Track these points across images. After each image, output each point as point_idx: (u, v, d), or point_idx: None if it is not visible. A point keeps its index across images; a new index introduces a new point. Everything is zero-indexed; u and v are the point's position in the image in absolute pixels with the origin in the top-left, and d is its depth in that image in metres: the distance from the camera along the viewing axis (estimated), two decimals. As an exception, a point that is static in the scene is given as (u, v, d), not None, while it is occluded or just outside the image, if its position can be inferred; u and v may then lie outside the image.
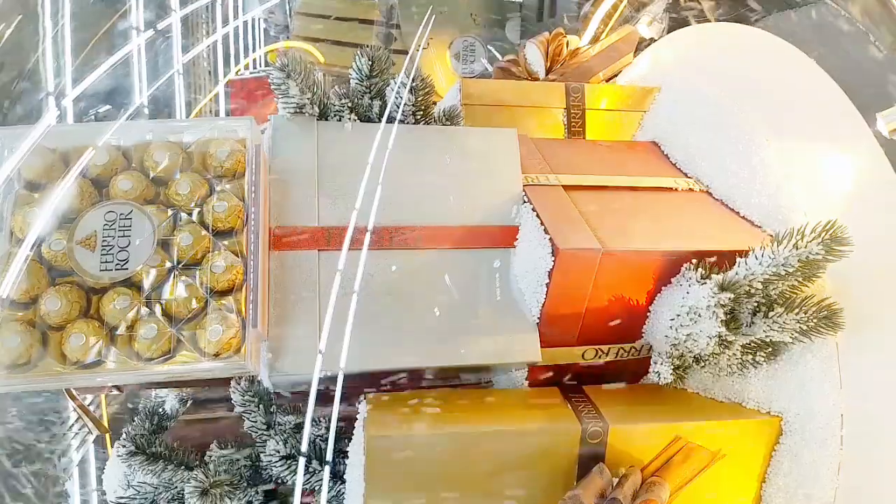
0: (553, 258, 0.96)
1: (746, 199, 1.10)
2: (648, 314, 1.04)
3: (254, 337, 0.88)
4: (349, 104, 1.09)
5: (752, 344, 0.99)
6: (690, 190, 1.17)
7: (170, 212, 0.93)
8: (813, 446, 0.95)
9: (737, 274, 0.96)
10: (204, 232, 0.92)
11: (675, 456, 0.90)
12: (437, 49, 2.35)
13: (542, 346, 1.02)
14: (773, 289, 0.96)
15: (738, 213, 1.11)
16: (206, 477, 0.95)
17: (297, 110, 1.05)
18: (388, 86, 1.12)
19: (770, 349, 1.00)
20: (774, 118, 1.14)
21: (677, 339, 1.00)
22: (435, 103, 1.13)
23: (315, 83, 1.07)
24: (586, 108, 1.36)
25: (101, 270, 0.89)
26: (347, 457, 0.96)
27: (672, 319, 1.00)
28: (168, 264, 0.90)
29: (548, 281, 0.97)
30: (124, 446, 1.04)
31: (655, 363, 1.03)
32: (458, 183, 1.08)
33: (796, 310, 0.95)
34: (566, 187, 1.11)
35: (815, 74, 1.14)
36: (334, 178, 1.04)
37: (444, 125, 1.14)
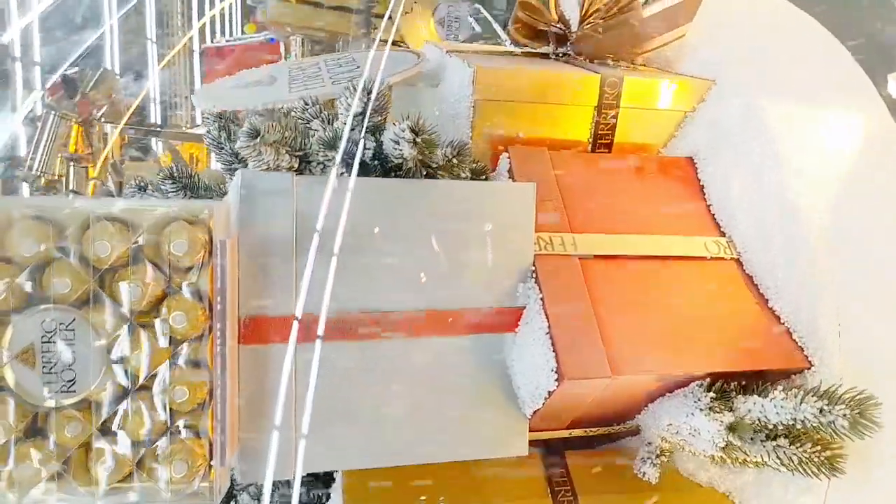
0: (557, 381, 0.87)
1: (779, 282, 0.98)
2: (646, 408, 0.99)
3: (222, 472, 0.81)
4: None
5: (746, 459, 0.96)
6: (721, 259, 1.03)
7: (122, 325, 0.78)
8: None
9: (749, 412, 0.89)
10: (162, 344, 0.79)
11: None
12: (423, 15, 1.93)
13: (528, 430, 0.97)
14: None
15: (766, 300, 1.00)
16: None
17: (273, 168, 0.85)
18: (384, 127, 0.91)
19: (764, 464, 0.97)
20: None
21: (671, 441, 0.96)
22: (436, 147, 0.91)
23: (294, 129, 0.85)
24: (622, 105, 1.13)
25: (45, 392, 0.77)
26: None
27: (669, 425, 0.95)
28: (123, 382, 0.79)
29: (547, 396, 0.89)
30: None
31: (644, 461, 0.99)
32: (459, 257, 0.93)
33: (801, 445, 0.90)
34: (583, 258, 0.97)
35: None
36: (318, 253, 0.88)
37: (450, 163, 0.94)
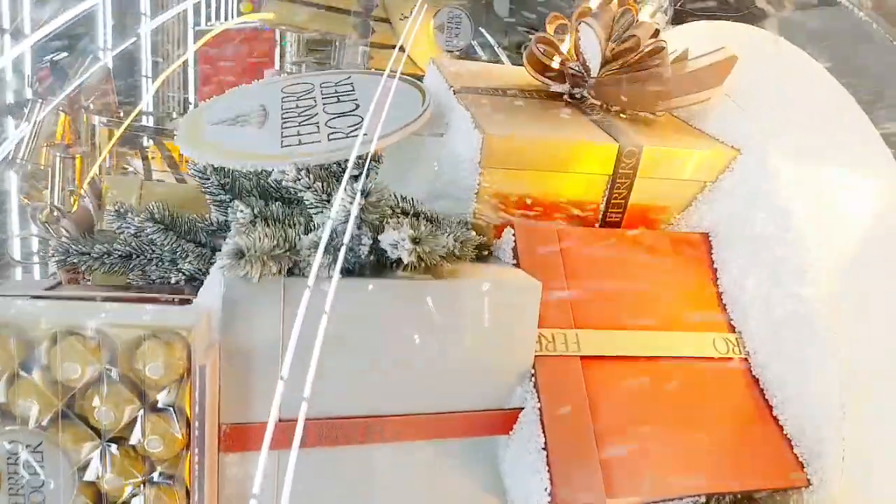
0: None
1: (787, 394, 0.95)
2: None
3: None
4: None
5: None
6: (729, 359, 0.98)
7: (90, 445, 0.73)
8: None
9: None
10: (137, 464, 0.75)
11: None
12: (422, 20, 1.74)
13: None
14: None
15: (770, 407, 0.96)
16: None
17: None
18: (382, 225, 0.83)
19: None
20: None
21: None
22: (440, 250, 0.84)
23: (283, 227, 0.78)
24: (638, 176, 1.05)
25: (12, 516, 0.73)
26: None
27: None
28: None
29: (538, 511, 0.86)
30: None
31: None
32: (455, 360, 0.88)
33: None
34: (585, 359, 0.92)
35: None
36: (303, 356, 0.82)
37: (452, 254, 0.88)
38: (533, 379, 0.90)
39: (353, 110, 1.11)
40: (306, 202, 0.93)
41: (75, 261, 1.18)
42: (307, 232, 0.87)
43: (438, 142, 1.11)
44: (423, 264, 0.84)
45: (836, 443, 0.90)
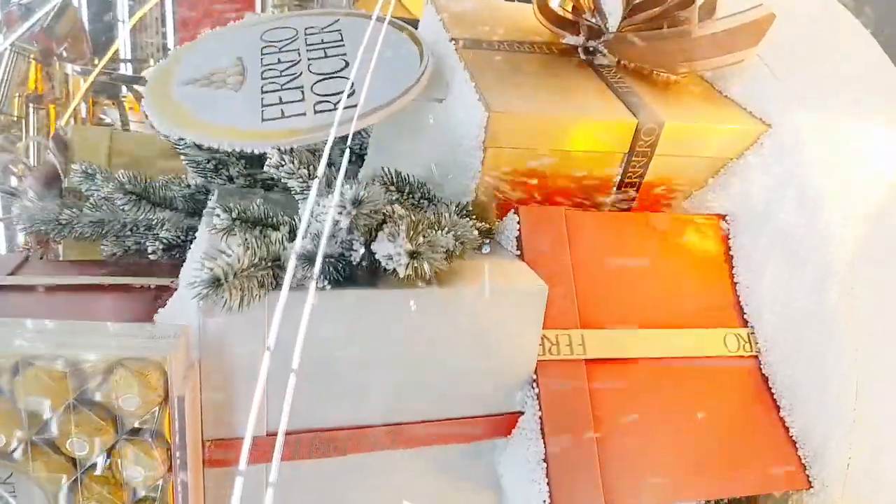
0: (548, 512, 0.82)
1: (796, 397, 0.91)
2: None
3: None
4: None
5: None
6: (740, 357, 0.94)
7: (65, 476, 0.69)
8: None
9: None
10: (118, 491, 0.71)
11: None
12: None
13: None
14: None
15: (778, 407, 0.93)
16: None
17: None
18: (378, 230, 0.75)
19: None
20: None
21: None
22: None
23: (266, 246, 0.70)
24: (656, 154, 0.96)
25: (-13, 545, 0.70)
26: None
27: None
28: (75, 531, 0.72)
29: (535, 517, 0.85)
30: None
31: None
32: (454, 367, 0.83)
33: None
34: (590, 362, 0.87)
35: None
36: (290, 369, 0.76)
37: (451, 254, 0.80)
38: (535, 384, 0.85)
39: (342, 70, 0.99)
40: (291, 189, 0.84)
41: (42, 228, 1.09)
42: (293, 231, 0.79)
43: (437, 106, 1.00)
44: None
45: (842, 449, 0.88)
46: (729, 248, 0.99)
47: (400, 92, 0.92)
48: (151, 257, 1.11)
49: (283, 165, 0.82)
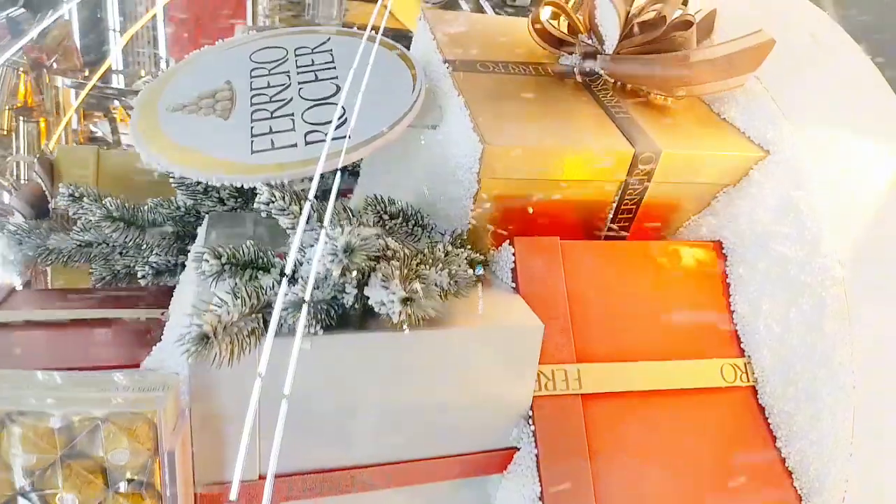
0: (543, 552, 0.81)
1: (793, 428, 0.91)
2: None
3: None
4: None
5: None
6: (736, 388, 0.93)
7: (55, 531, 0.68)
8: None
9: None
10: (107, 542, 0.70)
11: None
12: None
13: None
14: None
15: (774, 437, 0.92)
16: None
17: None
18: (371, 271, 0.73)
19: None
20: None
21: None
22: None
23: (255, 293, 0.68)
24: (653, 180, 0.94)
25: None
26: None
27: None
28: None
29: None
30: None
31: None
32: (448, 406, 0.82)
33: None
34: (585, 398, 0.87)
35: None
36: (285, 416, 0.75)
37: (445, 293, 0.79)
38: (531, 420, 0.84)
39: (333, 95, 0.97)
40: (281, 225, 0.82)
41: (30, 254, 1.08)
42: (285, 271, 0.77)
43: (430, 131, 0.98)
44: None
45: (839, 483, 0.87)
46: (726, 276, 0.98)
47: (392, 122, 0.90)
48: (141, 282, 1.09)
49: (273, 202, 0.81)
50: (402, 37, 1.23)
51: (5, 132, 1.99)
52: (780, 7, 1.05)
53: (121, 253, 1.11)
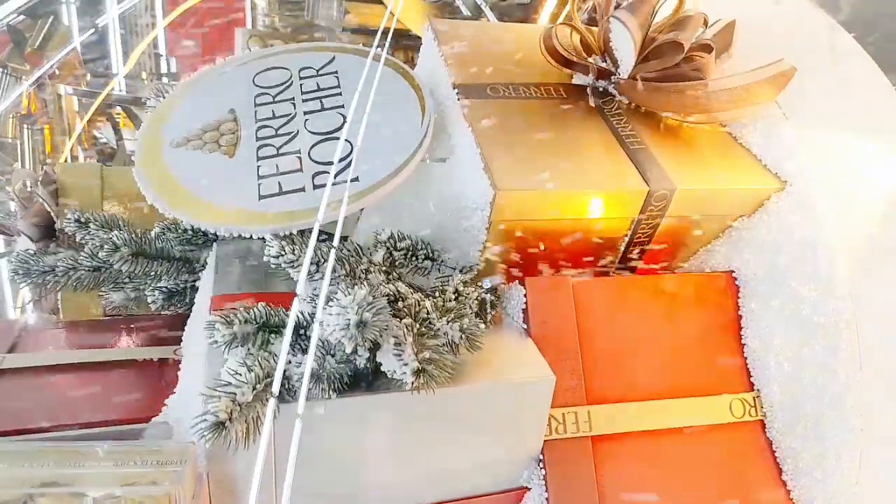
0: (552, 591, 0.84)
1: (800, 464, 0.92)
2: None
3: None
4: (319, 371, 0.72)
5: None
6: (744, 423, 0.94)
7: None
8: None
9: None
10: None
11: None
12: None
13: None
14: None
15: (780, 470, 0.94)
16: None
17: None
18: (385, 330, 0.73)
19: None
20: None
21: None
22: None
23: (263, 360, 0.69)
24: (667, 215, 0.93)
25: None
26: None
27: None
28: None
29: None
30: None
31: None
32: (460, 456, 0.83)
33: None
34: (595, 439, 0.88)
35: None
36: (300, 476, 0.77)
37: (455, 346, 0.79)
38: (541, 463, 0.86)
39: (339, 128, 0.94)
40: (293, 278, 0.82)
41: (38, 280, 1.07)
42: (297, 329, 0.77)
43: (440, 170, 0.96)
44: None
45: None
46: (738, 308, 0.97)
47: (399, 163, 0.88)
48: (152, 307, 1.09)
49: (283, 255, 0.80)
50: (405, 35, 1.18)
51: (10, 139, 1.96)
52: (805, 30, 1.01)
53: (129, 277, 1.11)
